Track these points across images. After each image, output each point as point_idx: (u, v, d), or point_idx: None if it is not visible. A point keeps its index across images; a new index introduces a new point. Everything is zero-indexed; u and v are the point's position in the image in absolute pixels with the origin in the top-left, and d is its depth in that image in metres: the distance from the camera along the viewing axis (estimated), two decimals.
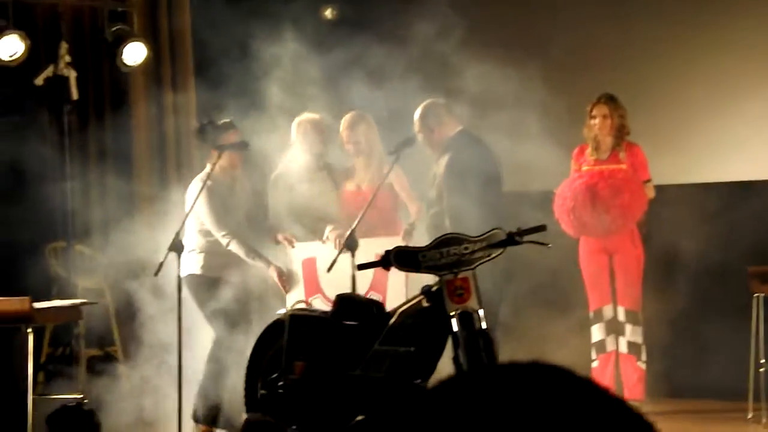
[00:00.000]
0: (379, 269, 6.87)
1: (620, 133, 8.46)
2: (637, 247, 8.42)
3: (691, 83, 9.36)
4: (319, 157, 8.36)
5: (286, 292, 8.01)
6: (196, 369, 7.95)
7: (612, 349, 8.48)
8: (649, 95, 9.39)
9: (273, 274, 7.96)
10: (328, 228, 8.09)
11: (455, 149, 7.62)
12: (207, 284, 7.95)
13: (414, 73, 8.45)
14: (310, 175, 8.31)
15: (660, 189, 8.64)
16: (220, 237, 7.96)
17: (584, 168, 8.51)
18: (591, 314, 8.53)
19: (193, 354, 8.07)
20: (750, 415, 8.14)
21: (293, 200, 8.22)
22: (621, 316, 8.45)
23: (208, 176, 7.90)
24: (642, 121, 8.77)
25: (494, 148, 7.85)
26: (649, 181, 8.47)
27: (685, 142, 9.30)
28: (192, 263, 7.99)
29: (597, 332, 8.52)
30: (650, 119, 9.17)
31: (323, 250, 7.99)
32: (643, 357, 8.38)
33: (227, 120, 8.20)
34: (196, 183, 7.99)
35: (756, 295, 8.17)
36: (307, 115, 8.42)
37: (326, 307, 7.41)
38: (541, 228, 6.59)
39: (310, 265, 8.09)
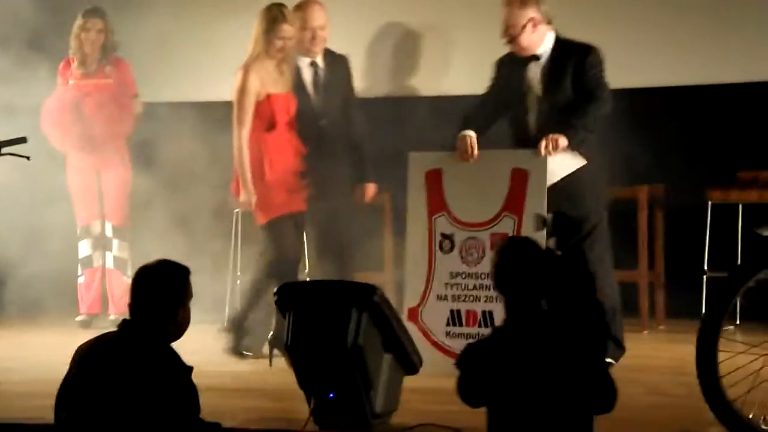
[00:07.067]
0: None
1: (107, 48, 8.49)
2: (126, 165, 8.52)
3: None
4: None
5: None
6: None
7: (99, 264, 8.60)
8: None
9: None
10: None
11: None
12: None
13: None
14: None
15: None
16: None
17: (71, 82, 8.57)
18: (78, 230, 8.57)
19: None
20: None
21: None
22: (108, 231, 8.53)
23: None
24: None
25: None
26: (137, 95, 8.56)
27: None
28: None
29: (84, 247, 8.64)
30: None
31: None
32: (129, 272, 8.48)
33: None
34: None
35: None
36: None
37: None
38: (20, 140, 6.05)
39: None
